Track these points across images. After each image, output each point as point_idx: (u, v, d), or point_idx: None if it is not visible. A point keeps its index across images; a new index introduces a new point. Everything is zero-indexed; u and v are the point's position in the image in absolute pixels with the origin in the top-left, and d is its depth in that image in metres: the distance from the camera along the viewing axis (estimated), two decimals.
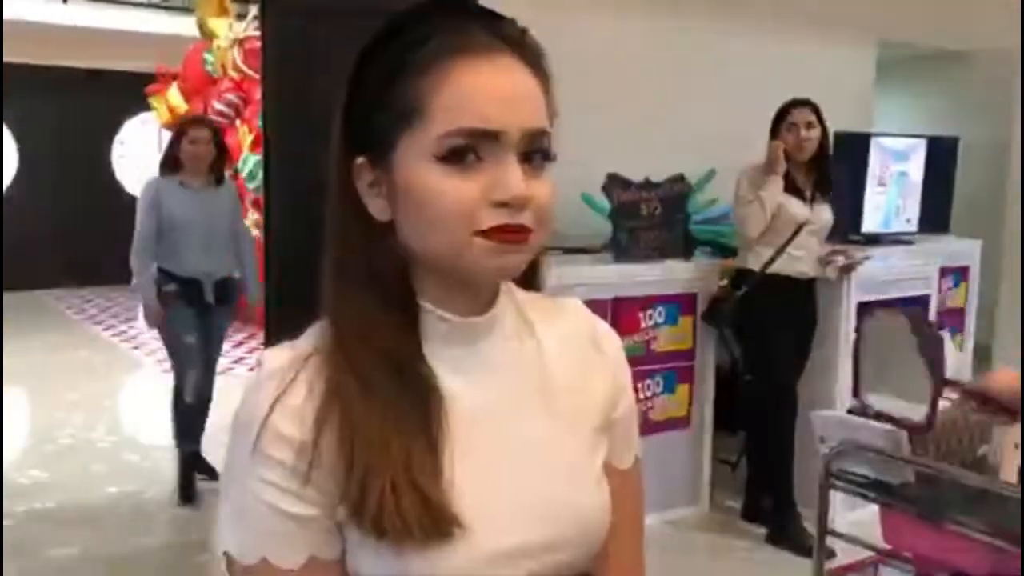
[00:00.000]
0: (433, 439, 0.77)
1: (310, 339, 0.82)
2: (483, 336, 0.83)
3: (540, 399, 0.85)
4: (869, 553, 2.06)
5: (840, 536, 2.08)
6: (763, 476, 3.69)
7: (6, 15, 5.73)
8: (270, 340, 3.74)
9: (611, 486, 0.87)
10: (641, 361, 3.57)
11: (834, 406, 3.40)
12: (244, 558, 0.77)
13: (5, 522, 3.55)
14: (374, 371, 0.77)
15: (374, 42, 0.79)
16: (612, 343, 0.93)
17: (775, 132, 3.51)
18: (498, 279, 0.82)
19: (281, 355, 0.80)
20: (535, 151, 0.76)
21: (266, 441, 0.75)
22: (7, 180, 9.45)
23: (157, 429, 4.71)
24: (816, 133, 3.49)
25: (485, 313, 0.82)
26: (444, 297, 0.80)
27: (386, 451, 0.74)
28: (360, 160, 0.79)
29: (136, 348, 7.25)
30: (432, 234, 0.76)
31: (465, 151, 0.74)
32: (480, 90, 0.74)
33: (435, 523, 0.74)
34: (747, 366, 3.76)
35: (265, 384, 0.78)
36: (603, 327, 0.94)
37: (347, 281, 0.80)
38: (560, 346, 0.88)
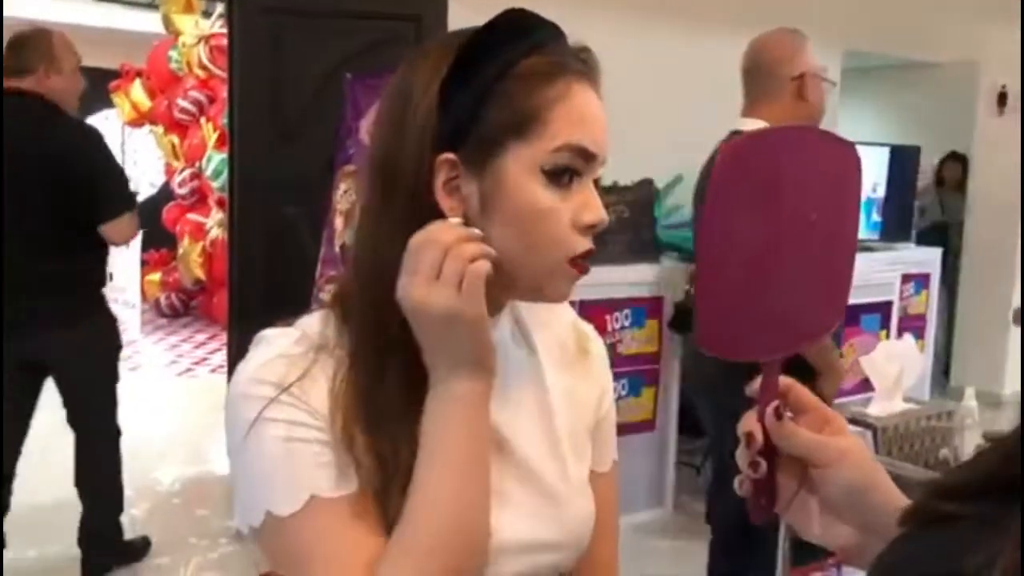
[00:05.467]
0: None
1: (314, 328, 0.79)
2: None
3: (536, 404, 0.87)
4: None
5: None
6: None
7: None
8: (234, 340, 3.70)
9: (592, 489, 0.89)
10: None
11: None
12: (290, 505, 0.73)
13: None
14: (399, 376, 0.76)
15: (482, 38, 0.76)
16: (597, 345, 0.96)
17: None
18: (555, 303, 0.83)
19: (289, 338, 0.78)
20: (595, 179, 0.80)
21: (292, 397, 0.74)
22: None
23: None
24: None
25: (492, 316, 0.83)
26: None
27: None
28: (446, 156, 0.76)
29: None
30: (527, 252, 0.76)
31: (568, 170, 0.76)
32: (589, 113, 0.78)
33: None
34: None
35: (274, 363, 0.76)
36: (588, 329, 0.97)
37: (393, 279, 0.75)
38: (553, 350, 0.90)
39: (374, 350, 0.77)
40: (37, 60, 2.76)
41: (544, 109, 0.75)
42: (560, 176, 0.76)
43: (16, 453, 2.97)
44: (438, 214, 0.76)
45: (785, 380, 0.71)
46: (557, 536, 0.83)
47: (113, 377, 3.07)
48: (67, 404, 3.00)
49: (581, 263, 0.78)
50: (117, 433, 3.15)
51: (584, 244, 0.78)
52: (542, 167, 0.75)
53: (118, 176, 2.96)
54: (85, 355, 2.93)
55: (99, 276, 2.99)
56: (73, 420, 3.04)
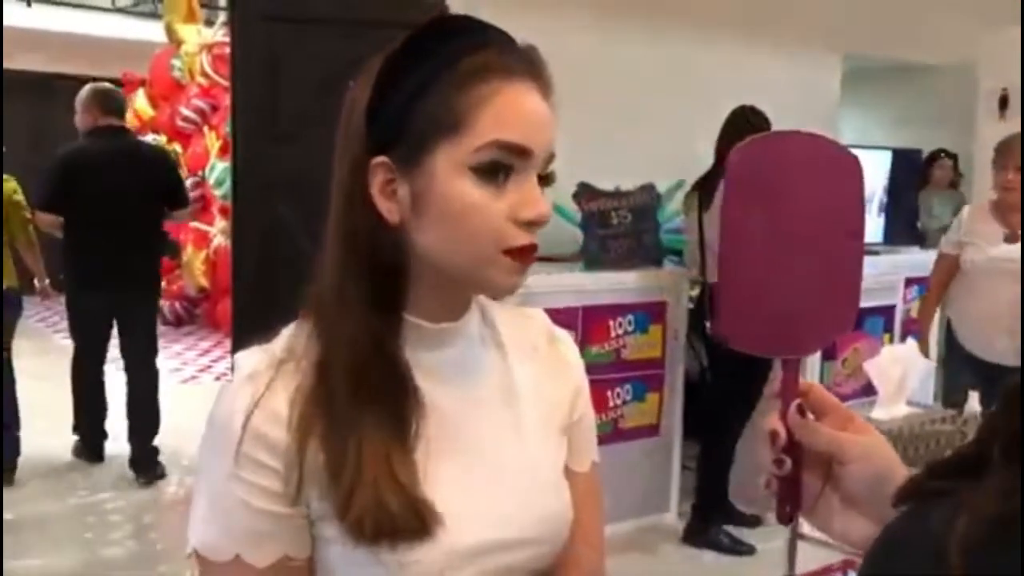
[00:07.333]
0: (410, 441, 0.79)
1: (283, 343, 0.82)
2: (452, 342, 0.84)
3: (504, 403, 0.88)
4: (839, 556, 2.08)
5: (811, 540, 2.09)
6: (714, 485, 3.72)
7: None
8: (238, 347, 3.70)
9: (571, 488, 0.90)
10: (611, 369, 3.58)
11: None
12: (216, 556, 0.78)
13: None
14: (362, 374, 0.78)
15: (412, 43, 0.78)
16: (570, 349, 0.97)
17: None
18: (507, 295, 0.83)
19: (255, 358, 0.81)
20: (545, 175, 0.80)
21: (249, 444, 0.76)
22: None
23: (117, 438, 4.65)
24: None
25: (456, 320, 0.84)
26: (424, 303, 0.82)
27: (371, 455, 0.76)
28: (379, 160, 0.78)
29: None
30: (459, 246, 0.77)
31: (499, 166, 0.76)
32: (519, 110, 0.77)
33: (420, 522, 0.76)
34: (718, 371, 3.73)
35: (242, 388, 0.78)
36: (561, 333, 0.98)
37: (349, 280, 0.79)
38: (524, 353, 0.91)
39: (324, 351, 0.79)
40: (125, 107, 4.55)
41: (469, 109, 0.75)
42: (492, 174, 0.76)
43: (101, 370, 4.33)
44: (375, 218, 0.78)
45: (805, 380, 0.74)
46: (526, 532, 0.84)
47: (156, 329, 4.48)
48: (126, 344, 4.31)
49: (522, 254, 0.78)
50: (157, 371, 4.42)
51: (522, 238, 0.77)
52: (469, 166, 0.76)
53: (183, 180, 4.73)
54: (145, 309, 4.35)
55: (158, 248, 4.52)
56: (128, 359, 4.33)
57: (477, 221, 0.76)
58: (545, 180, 0.80)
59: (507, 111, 0.76)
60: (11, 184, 4.27)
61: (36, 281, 4.54)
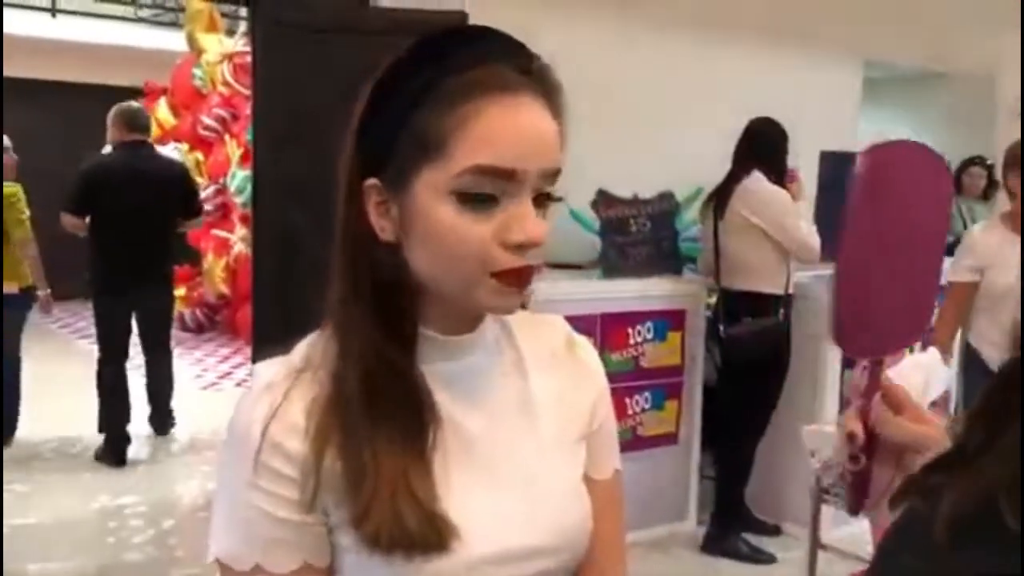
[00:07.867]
0: (427, 452, 0.79)
1: (302, 353, 0.83)
2: (468, 352, 0.84)
3: (522, 412, 0.87)
4: (860, 566, 2.06)
5: (832, 550, 2.08)
6: (731, 492, 3.70)
7: None
8: (258, 354, 3.72)
9: (592, 497, 0.89)
10: (630, 377, 3.58)
11: (820, 420, 3.42)
12: (238, 564, 0.78)
13: None
14: (374, 387, 0.78)
15: (401, 63, 0.77)
16: (590, 355, 0.96)
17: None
18: (501, 315, 0.83)
19: (273, 369, 0.81)
20: (546, 192, 0.77)
21: (267, 453, 0.77)
22: None
23: (140, 440, 4.68)
24: None
25: (471, 331, 0.84)
26: (434, 316, 0.82)
27: (388, 468, 0.76)
28: (371, 181, 0.78)
29: None
30: (443, 269, 0.77)
31: (483, 190, 0.74)
32: (505, 130, 0.74)
33: (437, 536, 0.76)
34: (734, 378, 3.68)
35: (260, 398, 0.79)
36: (580, 338, 0.96)
37: (353, 296, 0.80)
38: (542, 360, 0.90)
39: (338, 363, 0.79)
40: (149, 124, 4.93)
41: (448, 134, 0.73)
42: (476, 197, 0.74)
43: (124, 367, 4.64)
44: (371, 237, 0.78)
45: (884, 380, 0.79)
46: (543, 542, 0.83)
47: (172, 318, 5.12)
48: (145, 333, 4.75)
49: (513, 276, 0.76)
50: (170, 351, 4.97)
51: (510, 260, 0.75)
52: (450, 190, 0.74)
53: (197, 191, 5.11)
54: (161, 301, 4.79)
55: (172, 253, 4.92)
56: (146, 344, 4.79)
57: (460, 245, 0.74)
58: (546, 199, 0.77)
59: (494, 130, 0.73)
60: (11, 188, 4.54)
61: (38, 291, 4.70)
